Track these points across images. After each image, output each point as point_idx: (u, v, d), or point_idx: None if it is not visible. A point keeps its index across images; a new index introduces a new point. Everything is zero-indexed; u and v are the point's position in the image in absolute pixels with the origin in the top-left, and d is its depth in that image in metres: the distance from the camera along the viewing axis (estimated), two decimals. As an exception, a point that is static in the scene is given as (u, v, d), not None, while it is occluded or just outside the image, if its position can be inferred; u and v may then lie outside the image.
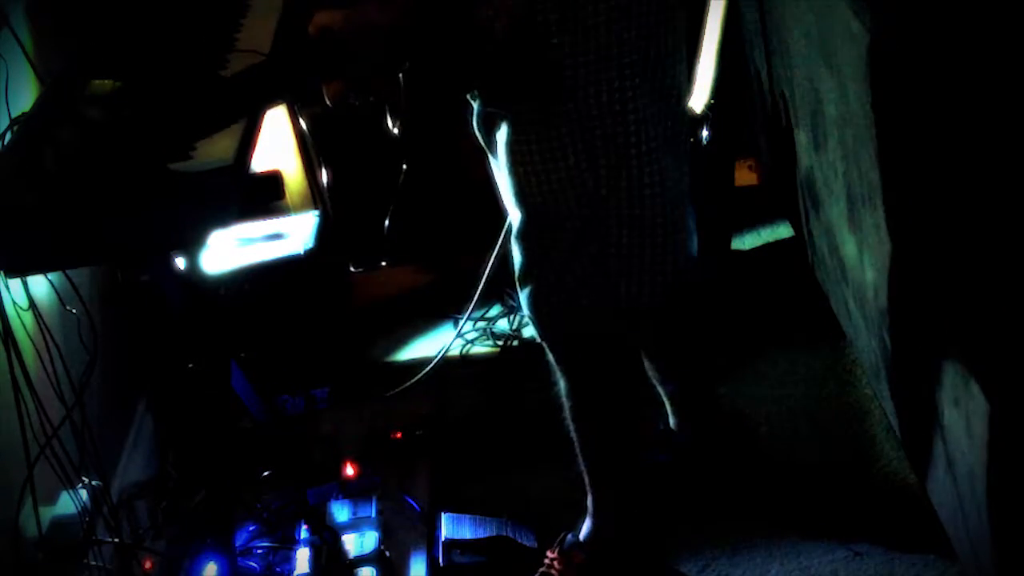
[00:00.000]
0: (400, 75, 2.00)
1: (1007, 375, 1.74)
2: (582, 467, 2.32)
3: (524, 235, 2.06)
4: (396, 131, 2.13)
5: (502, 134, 2.01)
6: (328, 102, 1.97)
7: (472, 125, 2.11)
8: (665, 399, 2.55)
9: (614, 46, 1.90)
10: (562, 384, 2.22)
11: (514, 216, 2.07)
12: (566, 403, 2.24)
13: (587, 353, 2.17)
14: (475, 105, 2.08)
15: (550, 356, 2.21)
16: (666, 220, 2.04)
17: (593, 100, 1.92)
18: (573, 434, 2.27)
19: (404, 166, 2.91)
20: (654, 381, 2.51)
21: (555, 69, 1.90)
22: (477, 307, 3.24)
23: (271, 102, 1.88)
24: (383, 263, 3.31)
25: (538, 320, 2.13)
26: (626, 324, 2.12)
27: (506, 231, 2.80)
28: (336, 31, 1.90)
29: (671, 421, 2.58)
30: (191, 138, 1.72)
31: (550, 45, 1.88)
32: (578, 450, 2.29)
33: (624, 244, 2.03)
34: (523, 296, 2.12)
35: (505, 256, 3.02)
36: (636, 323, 2.13)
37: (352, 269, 3.29)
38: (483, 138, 2.11)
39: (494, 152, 2.07)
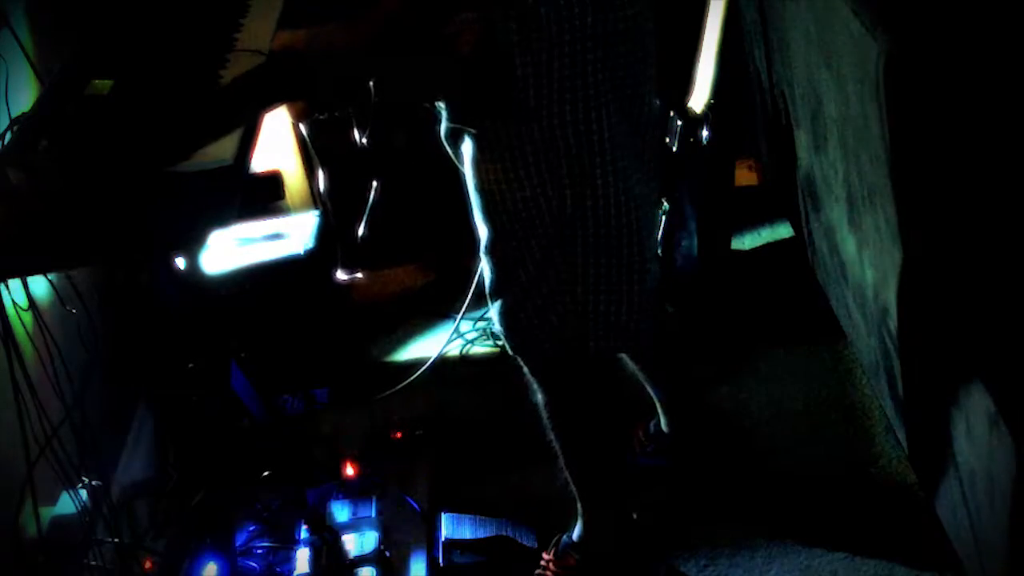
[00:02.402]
0: (371, 87, 1.98)
1: (1007, 375, 1.74)
2: (566, 475, 2.32)
3: (492, 251, 2.05)
4: (364, 143, 2.12)
5: (468, 151, 1.99)
6: (292, 119, 1.96)
7: (440, 138, 2.11)
8: (655, 401, 2.55)
9: (579, 66, 1.88)
10: (539, 397, 2.22)
11: (482, 231, 2.05)
12: (544, 414, 2.24)
13: (560, 367, 2.17)
14: (443, 119, 2.07)
15: (525, 370, 2.20)
16: (632, 239, 2.02)
17: (557, 120, 1.90)
18: (554, 444, 2.27)
19: (375, 182, 2.90)
20: (644, 384, 2.51)
21: (518, 88, 1.88)
22: (477, 307, 3.25)
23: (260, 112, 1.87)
24: (359, 275, 3.30)
25: (509, 336, 2.13)
26: (596, 342, 2.11)
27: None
28: (298, 51, 1.89)
29: (662, 423, 2.58)
30: (177, 155, 1.71)
31: (513, 64, 1.87)
32: (560, 459, 2.29)
33: (591, 263, 2.01)
34: (494, 311, 2.11)
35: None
36: (608, 341, 2.12)
37: (338, 278, 3.29)
38: (451, 151, 2.09)
39: (462, 165, 2.06)
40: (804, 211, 2.92)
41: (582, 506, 2.36)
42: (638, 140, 2.00)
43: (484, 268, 2.10)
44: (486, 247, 2.06)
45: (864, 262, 2.36)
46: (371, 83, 1.94)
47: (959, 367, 1.89)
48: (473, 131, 1.97)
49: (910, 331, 2.17)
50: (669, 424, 2.57)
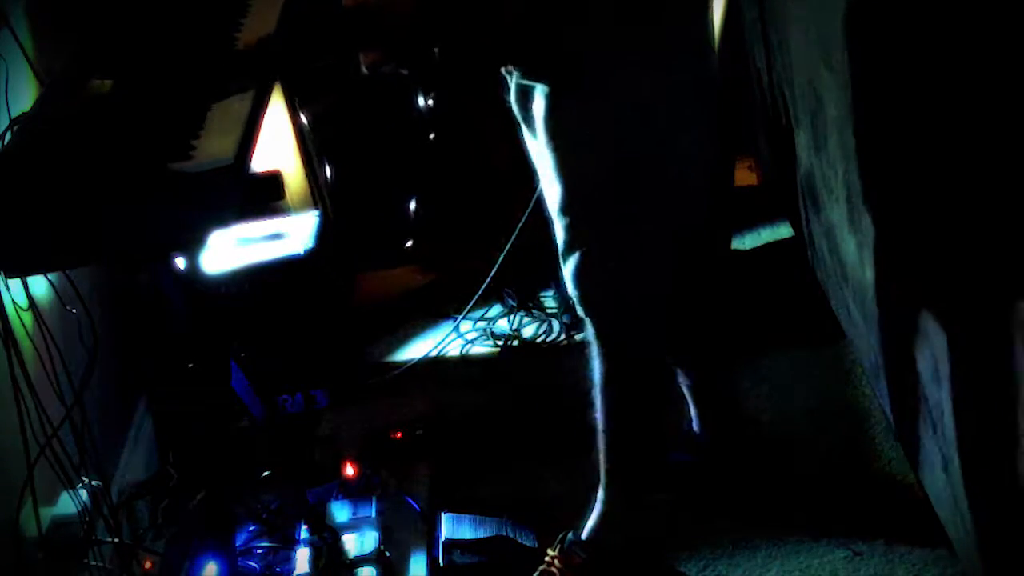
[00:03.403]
0: (435, 48, 2.03)
1: (1007, 375, 1.74)
2: (599, 457, 2.30)
3: (565, 209, 2.08)
4: (428, 103, 2.15)
5: (539, 109, 2.03)
6: (364, 69, 1.99)
7: (509, 99, 2.13)
8: (689, 398, 2.54)
9: (626, 24, 1.92)
10: (596, 364, 2.21)
11: (554, 191, 2.08)
12: (597, 384, 2.23)
13: (627, 332, 2.18)
14: (512, 79, 2.09)
15: (590, 332, 2.21)
16: (697, 192, 2.07)
17: (611, 79, 1.94)
18: (597, 418, 2.25)
19: (432, 136, 2.92)
20: (680, 382, 2.51)
21: (569, 47, 1.92)
22: (478, 307, 3.25)
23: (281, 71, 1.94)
24: (408, 243, 3.31)
25: (581, 294, 2.15)
26: (664, 299, 2.13)
27: (518, 231, 2.81)
28: (370, 7, 1.92)
29: (695, 423, 2.57)
30: (205, 105, 1.73)
31: (560, 24, 1.91)
32: (599, 438, 2.27)
33: (657, 216, 2.05)
34: (566, 270, 2.13)
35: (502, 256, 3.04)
36: (673, 299, 2.15)
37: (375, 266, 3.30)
38: (520, 112, 2.12)
39: (532, 127, 2.09)
40: (804, 211, 2.92)
41: (604, 498, 2.34)
42: (696, 95, 2.04)
43: (557, 228, 2.12)
44: (561, 207, 2.08)
45: (864, 262, 2.35)
46: (436, 49, 1.99)
47: (959, 367, 1.89)
48: (544, 88, 1.99)
49: (910, 331, 2.17)
50: (700, 424, 2.55)
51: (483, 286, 2.95)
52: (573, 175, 2.05)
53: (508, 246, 2.90)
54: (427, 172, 3.25)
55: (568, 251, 2.12)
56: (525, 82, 2.06)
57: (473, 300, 2.96)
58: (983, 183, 1.71)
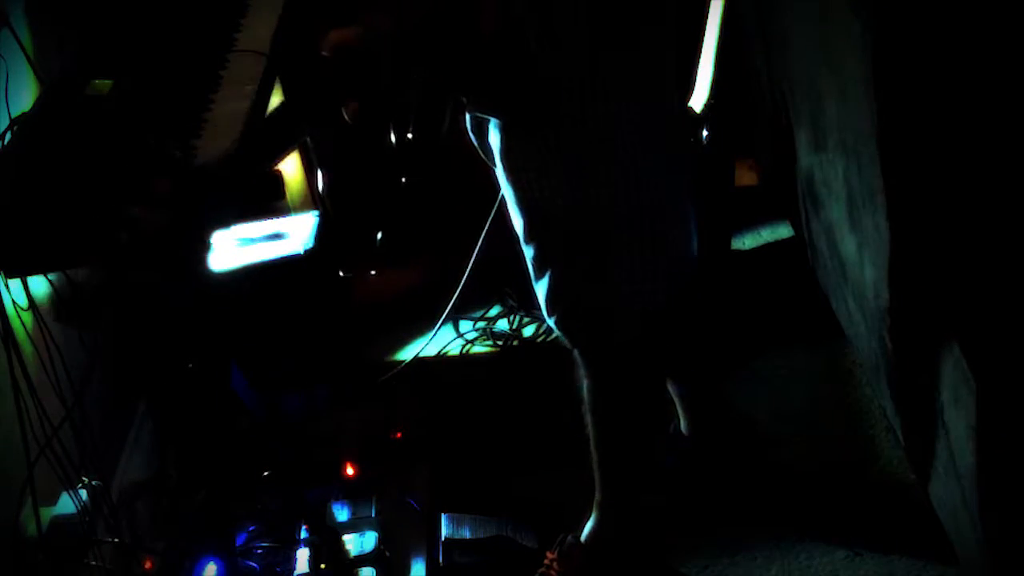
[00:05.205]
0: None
1: (1007, 375, 1.74)
2: (594, 463, 2.30)
3: (528, 240, 2.06)
4: (400, 140, 2.10)
5: (494, 141, 2.00)
6: (348, 120, 1.92)
7: (467, 131, 2.10)
8: (676, 400, 2.54)
9: (596, 48, 1.88)
10: (584, 379, 2.20)
11: (516, 222, 2.06)
12: (586, 397, 2.21)
13: (609, 353, 2.15)
14: (467, 111, 2.07)
15: (576, 354, 2.19)
16: (656, 225, 2.02)
17: (576, 104, 1.90)
18: (589, 428, 2.25)
19: (403, 179, 2.90)
20: (668, 385, 2.50)
21: (537, 72, 1.88)
22: (478, 307, 3.25)
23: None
24: (372, 272, 3.30)
25: (555, 322, 2.12)
26: (630, 327, 2.11)
27: (487, 230, 2.80)
28: (354, 46, 1.87)
29: (681, 424, 2.57)
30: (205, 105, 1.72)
31: (530, 49, 1.86)
32: (592, 445, 2.27)
33: (620, 248, 2.01)
34: (540, 295, 2.11)
35: (496, 255, 3.04)
36: (641, 325, 2.12)
37: (341, 274, 3.29)
38: (478, 144, 2.10)
39: (490, 159, 2.06)
40: (804, 211, 2.92)
41: (601, 502, 2.34)
42: (658, 123, 2.00)
43: (526, 256, 2.09)
44: (524, 237, 2.06)
45: (864, 262, 2.36)
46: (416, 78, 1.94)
47: (959, 367, 1.89)
48: (497, 120, 1.96)
49: (910, 331, 2.17)
50: (688, 425, 2.55)
51: (458, 288, 2.94)
52: (530, 208, 2.01)
53: (476, 249, 2.88)
54: (396, 210, 3.23)
55: (536, 284, 2.10)
56: (478, 115, 2.02)
57: (453, 298, 2.95)
58: (986, 183, 1.71)
